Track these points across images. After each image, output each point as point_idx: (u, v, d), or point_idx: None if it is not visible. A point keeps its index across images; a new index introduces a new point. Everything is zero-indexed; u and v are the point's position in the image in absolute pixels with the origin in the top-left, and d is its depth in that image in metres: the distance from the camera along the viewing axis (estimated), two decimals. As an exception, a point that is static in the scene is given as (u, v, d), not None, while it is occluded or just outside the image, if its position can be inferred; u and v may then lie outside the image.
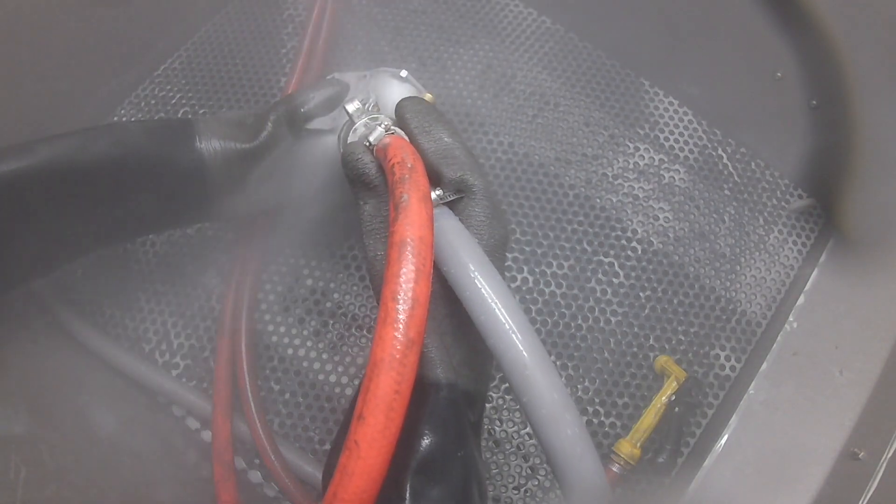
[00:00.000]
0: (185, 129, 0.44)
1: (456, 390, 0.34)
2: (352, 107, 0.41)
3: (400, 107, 0.39)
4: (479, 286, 0.30)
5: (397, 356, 0.26)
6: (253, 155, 0.44)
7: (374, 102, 0.43)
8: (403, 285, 0.27)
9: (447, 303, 0.34)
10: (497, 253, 0.36)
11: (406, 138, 0.38)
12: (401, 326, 0.26)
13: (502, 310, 0.30)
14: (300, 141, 0.46)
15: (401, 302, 0.26)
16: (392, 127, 0.39)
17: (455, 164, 0.36)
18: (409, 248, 0.27)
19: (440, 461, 0.31)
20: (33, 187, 0.39)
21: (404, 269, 0.27)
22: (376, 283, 0.36)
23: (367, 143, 0.37)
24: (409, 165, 0.32)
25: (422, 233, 0.28)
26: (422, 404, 0.32)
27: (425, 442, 0.31)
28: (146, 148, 0.42)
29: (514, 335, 0.29)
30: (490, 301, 0.30)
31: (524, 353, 0.29)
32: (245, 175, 0.45)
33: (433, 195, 0.35)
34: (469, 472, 0.32)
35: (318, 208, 0.52)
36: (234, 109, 0.64)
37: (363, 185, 0.37)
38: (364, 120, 0.41)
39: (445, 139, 0.37)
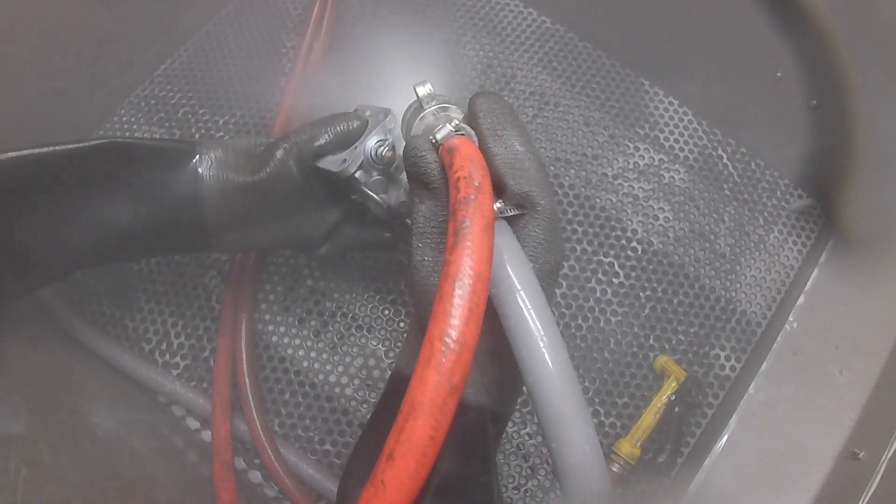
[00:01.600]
0: (186, 153, 0.42)
1: (484, 413, 0.32)
2: (423, 90, 0.38)
3: (473, 103, 0.36)
4: (527, 318, 0.28)
5: (438, 402, 0.24)
6: (253, 189, 0.42)
7: (390, 145, 0.41)
8: (453, 327, 0.25)
9: (485, 320, 0.32)
10: (550, 279, 0.34)
11: (475, 140, 0.35)
12: (445, 372, 0.25)
13: (547, 347, 0.28)
14: (308, 179, 0.43)
15: (448, 345, 0.25)
16: (462, 125, 0.35)
17: (523, 178, 0.33)
18: (464, 285, 0.26)
19: (462, 485, 0.30)
20: (23, 195, 0.38)
21: (456, 309, 0.25)
22: (417, 289, 0.34)
23: (434, 140, 0.34)
24: (476, 184, 0.29)
25: (480, 268, 0.26)
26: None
27: (447, 464, 0.30)
28: (143, 168, 0.41)
29: (554, 380, 0.27)
30: (536, 337, 0.28)
31: (563, 400, 0.27)
32: (243, 209, 0.42)
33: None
34: (491, 497, 0.31)
35: (324, 251, 0.49)
36: (236, 117, 0.64)
37: (422, 185, 0.35)
38: (433, 108, 0.38)
39: (517, 147, 0.34)
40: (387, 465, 0.25)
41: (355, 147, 0.42)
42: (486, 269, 0.27)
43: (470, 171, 0.30)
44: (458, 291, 0.26)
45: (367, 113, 0.44)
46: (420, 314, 0.34)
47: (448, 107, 0.38)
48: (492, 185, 0.31)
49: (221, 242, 0.44)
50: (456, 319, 0.25)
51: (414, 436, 0.24)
